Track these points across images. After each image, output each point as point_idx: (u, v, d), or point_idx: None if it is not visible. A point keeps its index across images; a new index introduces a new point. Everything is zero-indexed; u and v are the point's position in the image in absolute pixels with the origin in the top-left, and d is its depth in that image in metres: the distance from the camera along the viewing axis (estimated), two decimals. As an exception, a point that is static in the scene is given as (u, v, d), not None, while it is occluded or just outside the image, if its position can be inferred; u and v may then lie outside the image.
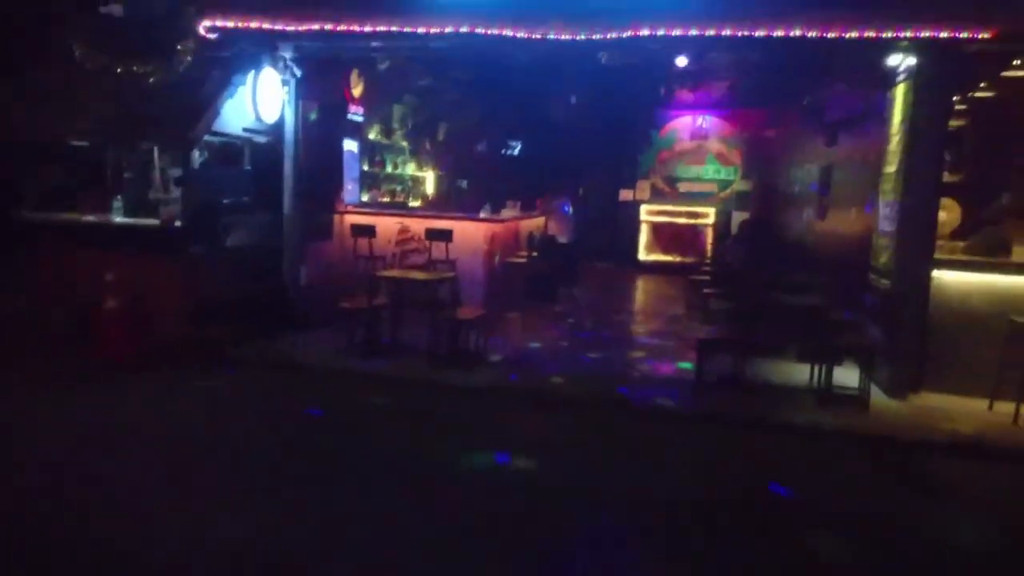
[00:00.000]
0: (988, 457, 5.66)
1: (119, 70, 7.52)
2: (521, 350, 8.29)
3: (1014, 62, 8.04)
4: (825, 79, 10.18)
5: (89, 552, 3.82)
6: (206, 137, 7.91)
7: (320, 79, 8.86)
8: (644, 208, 16.10)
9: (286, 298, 8.60)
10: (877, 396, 6.70)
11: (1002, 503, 5.06)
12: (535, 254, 10.90)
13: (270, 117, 8.21)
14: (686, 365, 7.66)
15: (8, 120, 8.06)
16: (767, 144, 14.98)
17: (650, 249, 16.16)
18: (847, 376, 6.72)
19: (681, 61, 9.88)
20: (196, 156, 8.00)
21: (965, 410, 6.48)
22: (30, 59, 8.23)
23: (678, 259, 15.69)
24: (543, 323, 9.84)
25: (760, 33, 6.41)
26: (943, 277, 6.80)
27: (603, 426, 6.17)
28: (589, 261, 14.42)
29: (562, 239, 11.94)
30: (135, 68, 7.74)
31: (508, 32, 6.85)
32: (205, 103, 7.73)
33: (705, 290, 9.40)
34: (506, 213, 10.67)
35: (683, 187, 16.05)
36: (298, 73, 8.34)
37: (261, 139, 8.54)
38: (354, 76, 10.06)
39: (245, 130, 8.21)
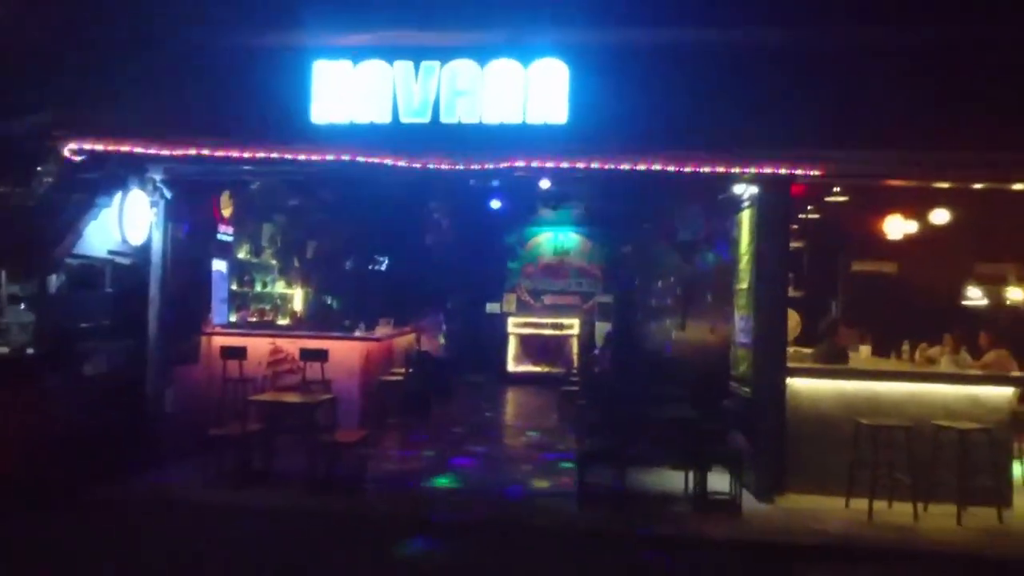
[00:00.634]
0: (855, 559, 6.07)
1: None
2: (398, 470, 8.16)
3: (835, 189, 9.21)
4: (677, 203, 11.13)
5: None
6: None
7: (190, 200, 8.70)
8: (511, 320, 16.53)
9: (149, 428, 8.08)
10: (748, 500, 7.07)
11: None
12: (411, 371, 10.89)
13: (137, 239, 7.94)
14: (564, 473, 7.78)
15: None
16: (625, 259, 15.95)
17: (519, 360, 16.49)
18: (720, 481, 7.07)
19: (544, 184, 10.54)
20: (53, 279, 7.56)
21: (826, 510, 6.94)
22: None
23: (546, 369, 16.08)
24: (419, 440, 9.75)
25: (624, 166, 7.01)
26: (796, 384, 7.42)
27: (488, 549, 6.11)
28: (460, 374, 14.51)
29: (434, 354, 12.02)
30: (-10, 189, 7.38)
31: (389, 161, 7.10)
32: (66, 226, 7.38)
33: (578, 401, 9.70)
34: (380, 331, 10.67)
35: (548, 299, 16.68)
36: (168, 195, 8.17)
37: (125, 261, 8.21)
38: (224, 197, 9.96)
39: (110, 252, 7.88)
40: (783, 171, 6.98)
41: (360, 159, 7.14)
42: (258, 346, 9.27)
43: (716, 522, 6.63)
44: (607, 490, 7.09)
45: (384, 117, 7.17)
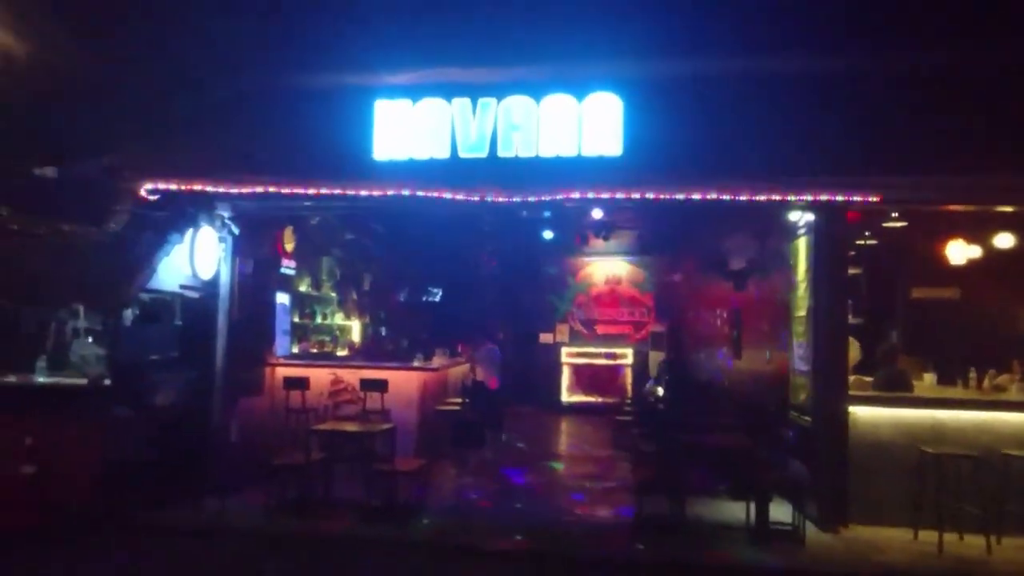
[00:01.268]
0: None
1: (42, 231, 7.53)
2: (455, 500, 8.24)
3: (893, 214, 9.08)
4: (728, 231, 11.10)
5: None
6: (137, 294, 7.86)
7: (255, 235, 9.04)
8: (564, 350, 16.57)
9: (215, 457, 8.32)
10: (811, 530, 6.95)
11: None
12: (466, 400, 11.00)
13: (207, 274, 8.26)
14: (621, 503, 7.75)
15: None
16: (677, 287, 15.89)
17: (572, 390, 16.49)
18: (781, 512, 6.97)
19: (597, 213, 10.61)
20: (127, 313, 7.90)
21: (893, 541, 6.80)
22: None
23: (600, 399, 16.04)
24: (475, 470, 9.82)
25: (679, 196, 7.08)
26: (858, 412, 7.30)
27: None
28: (514, 404, 14.56)
29: (489, 385, 12.11)
30: (64, 228, 7.76)
31: (448, 195, 7.29)
32: (140, 263, 7.72)
33: (633, 431, 9.67)
34: (437, 361, 10.82)
35: (600, 329, 16.68)
36: (236, 231, 8.50)
37: (194, 294, 8.53)
38: (288, 232, 10.29)
39: (180, 287, 8.21)
40: (839, 198, 6.96)
41: (419, 193, 7.36)
42: (319, 377, 9.49)
43: (778, 553, 6.53)
44: (664, 520, 7.05)
45: (443, 152, 7.40)
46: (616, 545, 6.78)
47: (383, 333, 15.10)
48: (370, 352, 12.50)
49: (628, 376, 16.19)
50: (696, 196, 7.06)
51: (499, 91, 7.30)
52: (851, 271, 8.48)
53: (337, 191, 7.51)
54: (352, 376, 9.41)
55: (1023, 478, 6.67)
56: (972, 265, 10.08)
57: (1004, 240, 9.66)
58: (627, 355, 16.30)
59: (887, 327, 11.07)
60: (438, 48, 7.23)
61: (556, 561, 6.51)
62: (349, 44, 7.65)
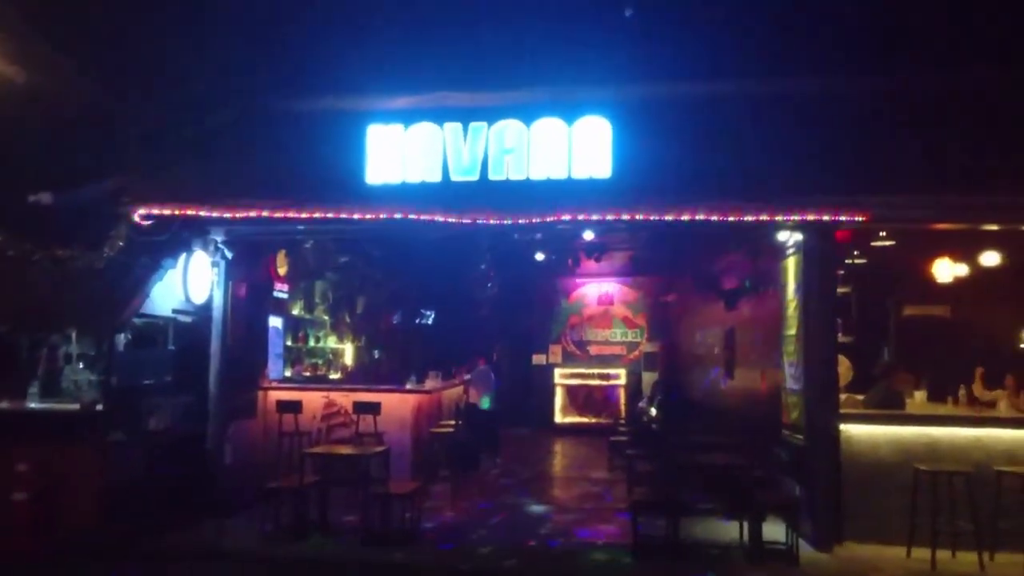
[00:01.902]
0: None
1: (36, 256, 7.54)
2: (451, 522, 8.22)
3: (881, 233, 9.17)
4: (719, 251, 11.19)
5: None
6: (130, 319, 7.87)
7: (248, 259, 9.07)
8: (557, 371, 16.58)
9: (209, 481, 8.30)
10: (805, 549, 6.96)
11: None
12: (460, 423, 10.99)
13: (200, 298, 8.28)
14: (617, 523, 7.75)
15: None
16: (669, 308, 15.96)
17: (565, 411, 16.49)
18: (775, 530, 6.98)
19: (588, 235, 10.67)
20: (120, 338, 7.90)
21: (887, 559, 6.80)
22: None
23: (593, 420, 16.04)
24: (470, 492, 9.80)
25: (668, 217, 7.15)
26: (850, 430, 7.33)
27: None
28: (506, 426, 14.54)
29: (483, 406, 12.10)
30: (59, 253, 7.77)
31: (440, 218, 7.35)
32: (134, 288, 7.75)
33: (628, 451, 9.68)
34: (430, 383, 10.82)
35: (593, 350, 16.71)
36: (229, 255, 8.53)
37: (187, 319, 8.55)
38: (280, 256, 10.33)
39: (173, 311, 8.23)
40: (826, 217, 7.03)
41: (412, 216, 7.41)
42: (312, 400, 9.48)
43: (772, 572, 6.54)
44: (661, 540, 7.05)
45: (435, 176, 7.48)
46: (613, 565, 6.77)
47: (376, 356, 15.11)
48: (363, 375, 12.50)
49: (622, 396, 16.21)
50: (685, 217, 7.13)
51: (490, 115, 7.39)
52: (841, 290, 8.56)
53: (330, 215, 7.56)
54: (345, 399, 9.41)
55: (1016, 495, 6.69)
56: (961, 283, 10.18)
57: (991, 258, 9.76)
58: (620, 376, 16.32)
59: (879, 345, 11.15)
60: (430, 73, 7.34)
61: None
62: (342, 70, 7.76)
